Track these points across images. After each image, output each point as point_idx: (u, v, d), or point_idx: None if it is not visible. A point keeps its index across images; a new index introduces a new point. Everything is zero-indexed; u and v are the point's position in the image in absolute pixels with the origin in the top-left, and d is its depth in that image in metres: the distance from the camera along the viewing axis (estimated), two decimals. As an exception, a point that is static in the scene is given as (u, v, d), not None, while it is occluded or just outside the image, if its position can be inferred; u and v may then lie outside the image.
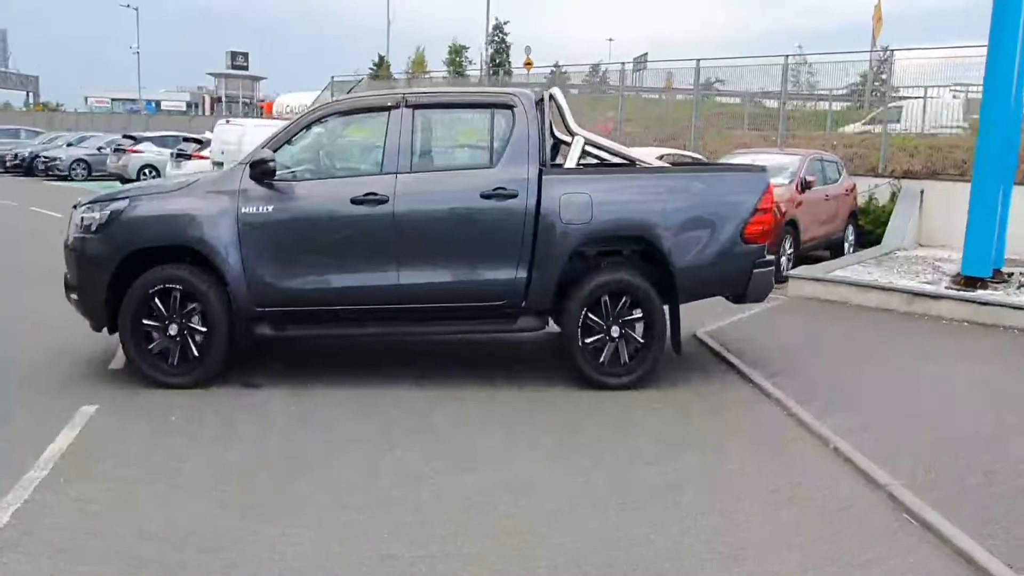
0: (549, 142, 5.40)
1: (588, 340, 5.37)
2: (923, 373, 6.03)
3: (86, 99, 69.01)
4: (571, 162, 5.42)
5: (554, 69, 29.75)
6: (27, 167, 24.90)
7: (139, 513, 3.59)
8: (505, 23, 41.54)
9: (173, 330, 5.20)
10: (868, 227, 12.54)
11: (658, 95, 23.43)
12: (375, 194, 5.18)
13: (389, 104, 5.32)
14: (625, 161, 5.74)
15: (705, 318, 7.18)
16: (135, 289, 5.17)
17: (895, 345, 6.85)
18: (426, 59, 43.57)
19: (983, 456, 4.31)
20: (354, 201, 5.18)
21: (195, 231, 5.15)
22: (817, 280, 8.67)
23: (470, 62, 40.57)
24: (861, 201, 12.93)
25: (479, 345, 6.45)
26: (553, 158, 6.48)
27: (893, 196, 12.72)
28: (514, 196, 5.22)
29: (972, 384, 5.75)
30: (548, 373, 5.64)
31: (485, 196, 5.21)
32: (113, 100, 68.09)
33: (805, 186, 10.41)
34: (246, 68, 71.27)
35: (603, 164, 5.79)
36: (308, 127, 5.39)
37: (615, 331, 5.35)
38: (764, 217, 5.41)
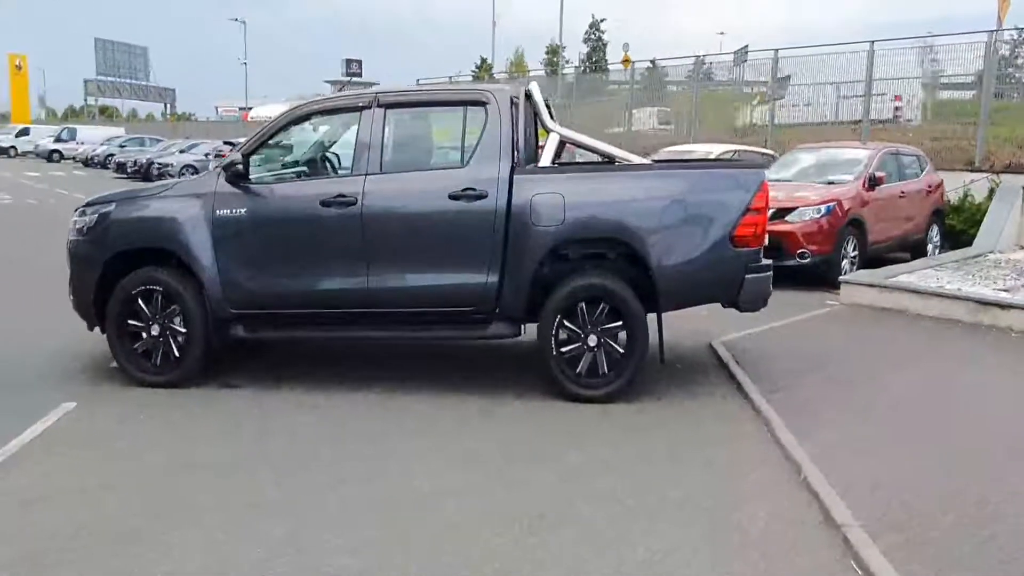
0: (522, 140, 5.12)
1: (564, 349, 5.06)
2: (951, 393, 5.31)
3: (216, 108, 73.78)
4: (546, 160, 5.13)
5: (651, 65, 29.00)
6: (144, 172, 26.89)
7: (62, 508, 3.64)
8: (601, 20, 40.94)
9: (155, 330, 5.33)
10: (960, 227, 11.38)
11: (751, 88, 22.44)
12: (343, 196, 5.10)
13: (361, 104, 5.22)
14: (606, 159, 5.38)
15: (733, 325, 6.68)
16: (119, 290, 5.32)
17: (936, 360, 6.11)
18: (525, 60, 43.65)
19: (973, 492, 3.71)
20: (323, 203, 5.11)
21: (172, 234, 5.24)
22: (872, 286, 7.88)
23: (567, 61, 40.22)
24: (954, 198, 11.76)
25: (462, 349, 6.26)
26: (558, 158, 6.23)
27: (991, 193, 11.48)
28: (483, 197, 4.99)
29: (1004, 407, 5.02)
30: (532, 383, 5.36)
31: (453, 197, 5.02)
32: (240, 109, 72.45)
33: (873, 182, 9.54)
34: (360, 74, 73.94)
35: (587, 163, 5.47)
36: (283, 128, 5.37)
37: (592, 340, 5.02)
38: (757, 218, 4.92)
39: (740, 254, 4.91)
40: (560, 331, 5.04)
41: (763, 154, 12.52)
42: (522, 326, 5.25)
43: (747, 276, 4.93)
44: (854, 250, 9.32)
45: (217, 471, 4.08)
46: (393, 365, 5.94)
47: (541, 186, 4.99)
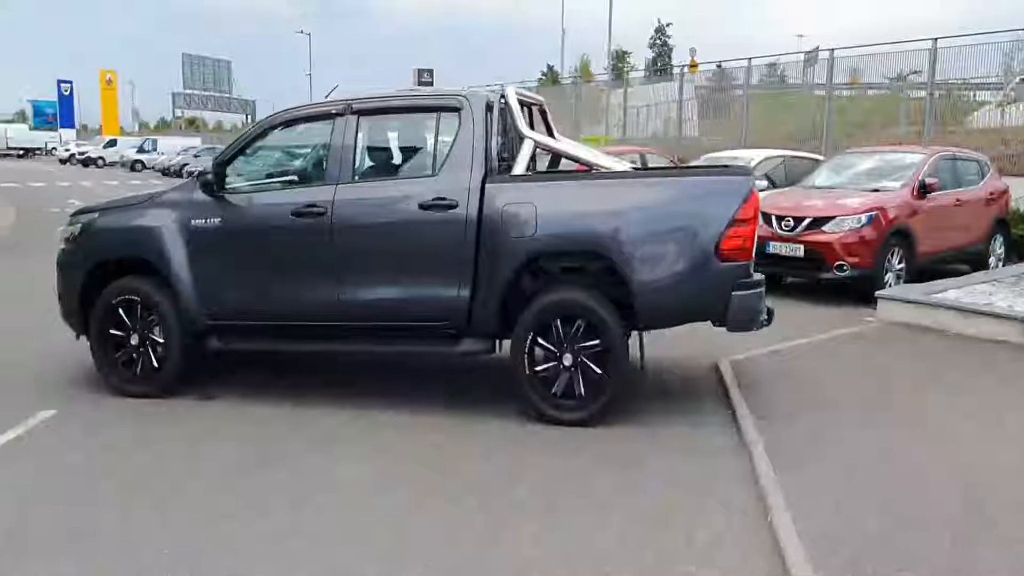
0: (496, 147, 4.85)
1: (538, 368, 4.77)
2: (978, 432, 4.71)
3: (292, 119, 75.84)
4: (519, 168, 4.84)
5: (717, 69, 28.18)
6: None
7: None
8: (667, 25, 40.09)
9: (135, 340, 5.31)
10: (1029, 238, 10.44)
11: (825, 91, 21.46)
12: (314, 205, 4.95)
13: (334, 111, 5.06)
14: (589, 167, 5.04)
15: (753, 341, 6.18)
16: (101, 299, 5.32)
17: (969, 390, 5.49)
18: (591, 67, 43.24)
19: (945, 543, 3.23)
20: (294, 213, 4.98)
21: (149, 244, 5.21)
22: (910, 302, 7.24)
23: (632, 67, 39.61)
24: (1024, 207, 10.82)
25: (449, 363, 6.01)
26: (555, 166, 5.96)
27: (1066, 201, 10.50)
28: (454, 207, 4.76)
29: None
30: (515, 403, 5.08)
31: (423, 207, 4.80)
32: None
33: (924, 189, 8.82)
34: (431, 83, 74.90)
35: (564, 171, 5.15)
36: (259, 137, 5.27)
37: (568, 359, 4.70)
38: (745, 230, 4.49)
39: (726, 269, 4.51)
40: (534, 349, 4.75)
41: (815, 160, 11.83)
42: (497, 343, 4.98)
43: (735, 293, 4.52)
44: (900, 263, 8.63)
45: (152, 489, 3.97)
46: (376, 379, 5.76)
47: (513, 195, 4.72)
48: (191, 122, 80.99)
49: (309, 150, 5.55)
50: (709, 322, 4.83)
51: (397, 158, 5.39)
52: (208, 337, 5.25)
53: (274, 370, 5.95)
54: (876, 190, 8.96)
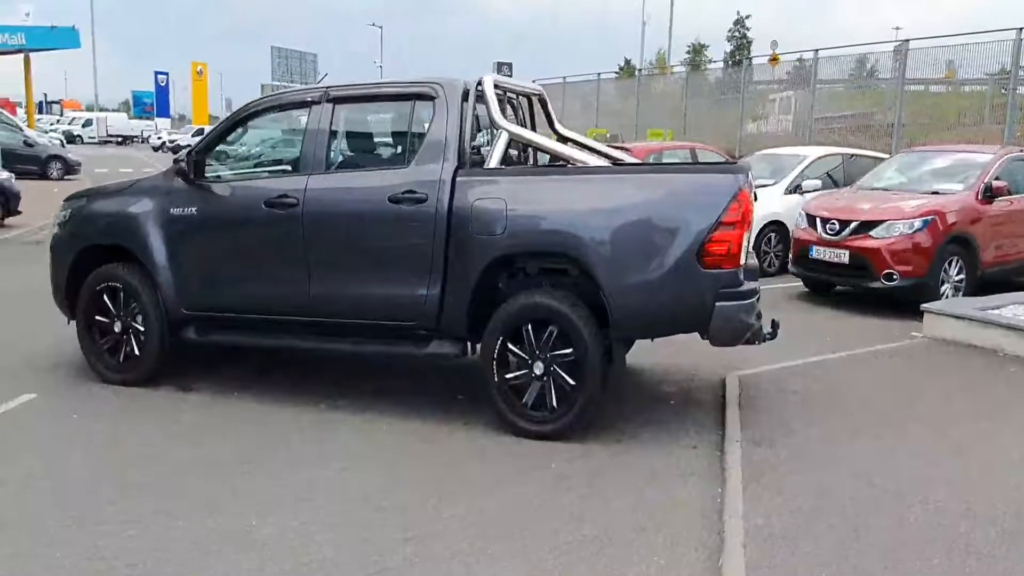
0: (470, 138, 4.54)
1: (509, 376, 4.45)
2: (996, 472, 4.12)
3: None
4: (494, 161, 4.51)
5: (798, 62, 26.85)
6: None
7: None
8: (746, 17, 38.54)
9: (118, 328, 5.28)
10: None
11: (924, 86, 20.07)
12: (286, 196, 4.77)
13: (310, 99, 4.87)
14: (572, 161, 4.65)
15: (777, 354, 5.71)
16: (86, 286, 5.31)
17: (1005, 423, 4.84)
18: (667, 60, 42.01)
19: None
20: (267, 204, 4.81)
21: (130, 231, 5.15)
22: (960, 318, 6.53)
23: (710, 60, 38.24)
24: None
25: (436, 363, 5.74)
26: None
27: None
28: (423, 200, 4.48)
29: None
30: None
31: (394, 200, 4.54)
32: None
33: (990, 193, 7.99)
34: (511, 76, 74.77)
35: (540, 165, 4.79)
36: (238, 124, 5.13)
37: (539, 368, 4.37)
38: (732, 234, 4.03)
39: (709, 276, 4.06)
40: (506, 355, 4.44)
41: (879, 159, 10.98)
42: (468, 346, 4.69)
43: (719, 304, 4.07)
44: (959, 273, 7.85)
45: (108, 476, 3.89)
46: (360, 377, 5.54)
47: (483, 189, 4.41)
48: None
49: (289, 139, 5.39)
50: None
51: (371, 148, 5.16)
52: (186, 328, 5.17)
53: (259, 364, 5.82)
54: (936, 192, 8.18)
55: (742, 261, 4.11)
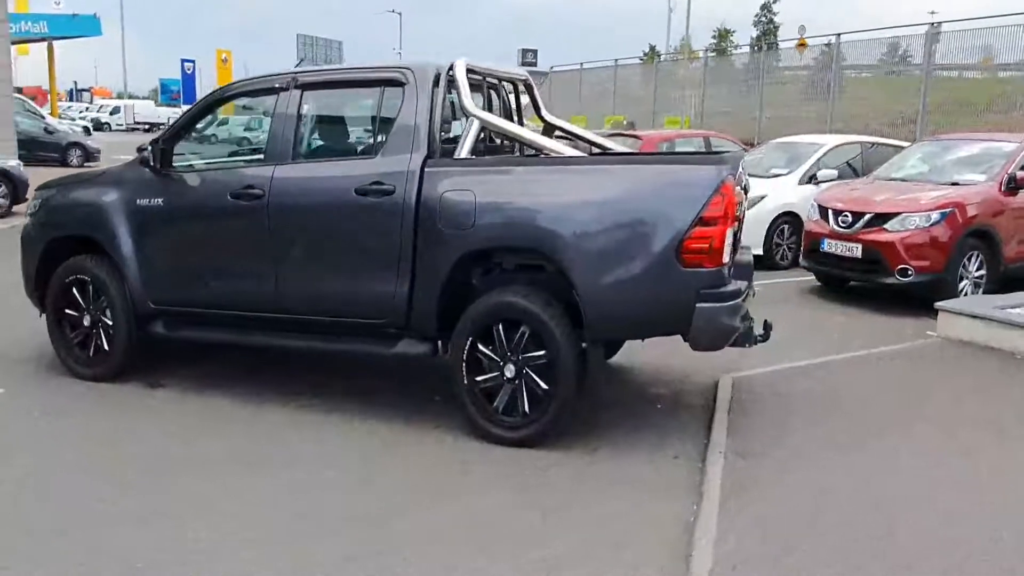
0: (439, 125, 4.28)
1: (479, 378, 4.20)
2: (995, 491, 3.79)
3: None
4: (464, 151, 4.24)
5: (826, 47, 26.08)
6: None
7: None
8: (774, 1, 37.48)
9: (87, 321, 5.13)
10: None
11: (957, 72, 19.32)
12: (252, 187, 4.56)
13: (277, 85, 4.63)
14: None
15: (781, 355, 5.49)
16: (55, 278, 5.16)
17: (1016, 435, 4.49)
18: (689, 45, 41.19)
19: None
20: (233, 195, 4.61)
21: (97, 222, 4.97)
22: (976, 317, 6.14)
23: (735, 46, 37.33)
24: None
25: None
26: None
27: None
28: (390, 193, 4.24)
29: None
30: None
31: (360, 192, 4.31)
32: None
33: (1014, 184, 7.55)
34: (535, 64, 74.18)
35: (512, 156, 4.51)
36: (205, 112, 4.92)
37: (510, 370, 4.12)
38: (713, 231, 3.73)
39: (689, 276, 3.77)
40: (475, 356, 4.19)
41: (898, 148, 10.51)
42: (440, 346, 4.44)
43: (699, 305, 3.78)
44: (979, 269, 7.43)
45: (68, 471, 3.75)
46: (338, 375, 5.34)
47: (452, 181, 4.15)
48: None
49: (260, 127, 5.17)
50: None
51: (339, 137, 4.91)
52: (154, 322, 5.00)
53: (235, 360, 5.63)
54: (956, 183, 7.75)
55: (725, 259, 3.81)
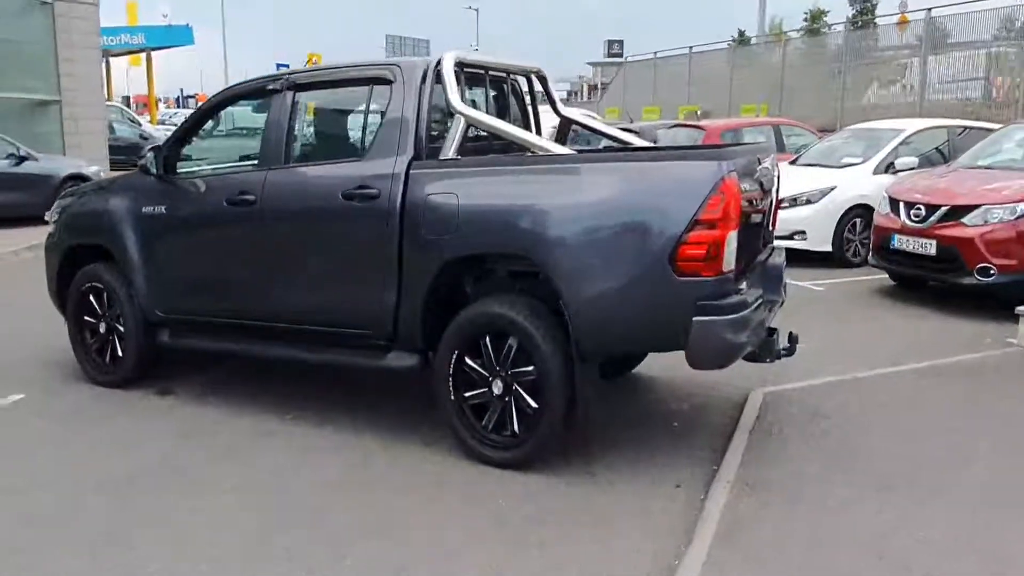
0: (427, 125, 4.00)
1: (467, 394, 3.92)
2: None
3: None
4: (450, 150, 3.95)
5: (927, 23, 24.21)
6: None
7: None
8: (871, -21, 35.20)
9: (102, 328, 5.17)
10: None
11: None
12: (246, 193, 4.43)
13: (271, 86, 4.48)
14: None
15: (825, 367, 5.04)
16: (74, 285, 5.23)
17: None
18: (783, 28, 39.31)
19: None
20: (229, 202, 4.50)
21: (107, 230, 4.98)
22: (1062, 325, 5.37)
23: (829, 27, 35.32)
24: None
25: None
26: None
27: None
28: (375, 196, 4.01)
29: None
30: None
31: (347, 196, 4.10)
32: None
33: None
34: (621, 55, 72.91)
35: (500, 155, 4.17)
36: (206, 116, 4.83)
37: (498, 386, 3.81)
38: (711, 234, 3.29)
39: (685, 285, 3.35)
40: (462, 370, 3.91)
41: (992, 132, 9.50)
42: (430, 358, 4.18)
43: (696, 318, 3.35)
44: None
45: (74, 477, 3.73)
46: (344, 386, 5.15)
47: (436, 183, 3.87)
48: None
49: (255, 130, 5.05)
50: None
51: (329, 139, 4.73)
52: (161, 331, 4.97)
53: (252, 368, 5.57)
54: (1051, 171, 6.87)
55: (727, 267, 3.36)
